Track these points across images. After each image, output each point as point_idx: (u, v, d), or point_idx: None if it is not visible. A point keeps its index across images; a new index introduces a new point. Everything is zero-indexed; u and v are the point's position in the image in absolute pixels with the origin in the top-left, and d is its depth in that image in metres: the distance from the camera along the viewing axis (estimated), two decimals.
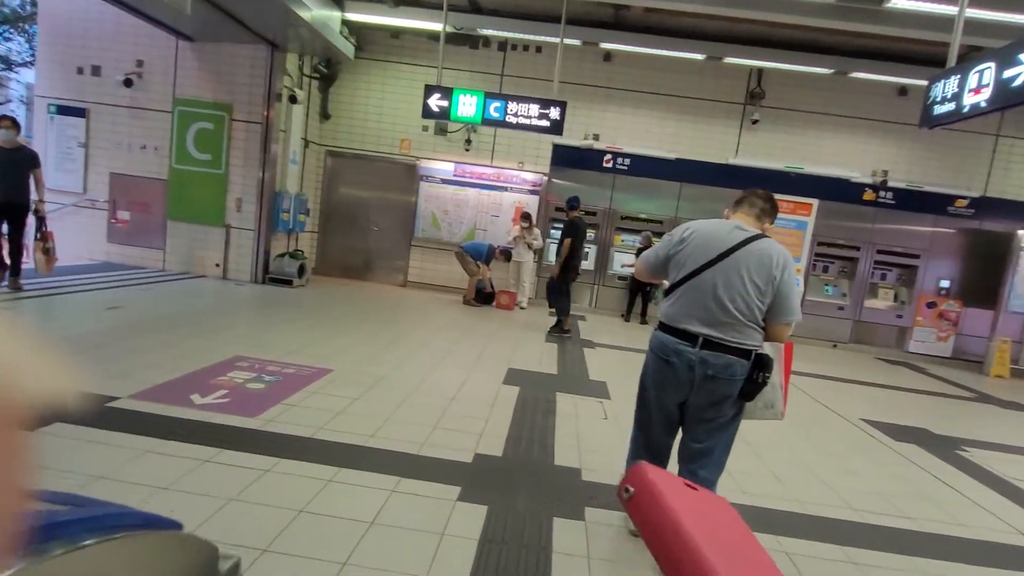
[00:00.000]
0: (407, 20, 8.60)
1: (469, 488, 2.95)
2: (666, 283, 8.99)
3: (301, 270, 8.95)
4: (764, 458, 3.96)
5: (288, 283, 8.74)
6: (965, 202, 9.63)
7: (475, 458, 3.35)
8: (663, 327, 2.46)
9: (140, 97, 8.66)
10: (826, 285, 10.16)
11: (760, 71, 9.57)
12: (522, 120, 7.01)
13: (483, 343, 6.55)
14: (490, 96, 7.08)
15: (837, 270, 10.20)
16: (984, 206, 9.63)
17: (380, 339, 6.03)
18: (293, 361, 4.81)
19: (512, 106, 7.02)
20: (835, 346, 9.95)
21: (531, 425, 4.04)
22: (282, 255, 8.98)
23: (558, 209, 10.12)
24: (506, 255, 9.39)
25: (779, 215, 9.04)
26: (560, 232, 7.40)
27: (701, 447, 2.44)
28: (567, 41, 8.69)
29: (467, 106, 7.03)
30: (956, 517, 3.42)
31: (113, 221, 8.90)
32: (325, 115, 10.20)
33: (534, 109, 6.98)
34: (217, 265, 8.80)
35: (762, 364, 2.30)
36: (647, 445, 2.60)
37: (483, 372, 5.28)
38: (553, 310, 7.80)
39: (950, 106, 4.33)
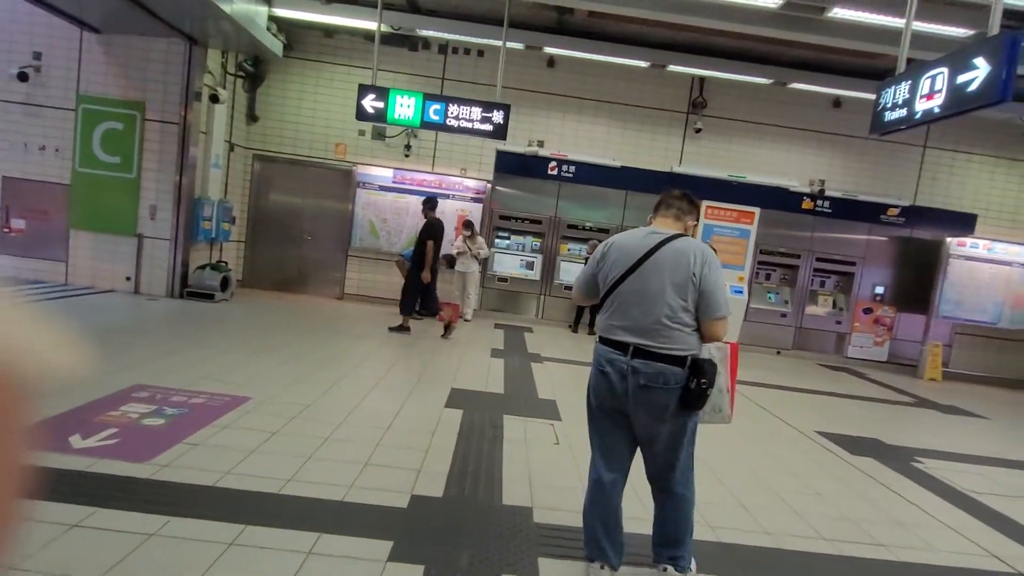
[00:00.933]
0: (340, 18, 8.08)
1: (403, 543, 2.51)
2: None
3: (224, 283, 8.22)
4: (727, 483, 3.69)
5: (209, 297, 8.00)
6: (896, 211, 9.91)
7: (411, 501, 2.92)
8: (600, 339, 2.43)
9: (37, 93, 7.77)
10: (769, 292, 10.24)
11: (702, 80, 9.56)
12: (464, 124, 6.63)
13: (425, 361, 6.10)
14: (430, 98, 6.66)
15: (779, 278, 10.30)
16: (914, 215, 9.94)
17: (310, 360, 5.48)
18: (205, 389, 4.23)
19: (453, 108, 6.63)
20: (779, 352, 10.02)
21: (476, 456, 3.63)
22: (203, 267, 8.23)
23: (502, 217, 9.80)
24: (448, 261, 8.95)
25: (724, 224, 8.89)
26: (421, 234, 7.29)
27: (660, 462, 2.36)
28: (510, 45, 8.43)
29: (405, 108, 6.58)
30: (929, 542, 3.24)
31: (6, 230, 7.94)
32: (252, 117, 9.51)
33: (476, 112, 6.61)
34: (128, 279, 7.97)
35: (699, 370, 2.20)
36: (604, 458, 2.44)
37: (424, 394, 4.83)
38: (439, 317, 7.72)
39: (901, 112, 4.25)
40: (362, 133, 9.56)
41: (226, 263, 8.69)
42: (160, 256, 7.99)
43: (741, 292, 9.54)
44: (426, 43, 9.45)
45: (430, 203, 7.32)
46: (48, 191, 7.88)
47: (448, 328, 7.48)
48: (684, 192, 2.51)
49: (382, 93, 6.57)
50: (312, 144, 9.63)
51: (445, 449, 3.66)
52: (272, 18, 8.42)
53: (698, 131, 9.65)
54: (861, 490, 3.94)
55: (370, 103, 6.59)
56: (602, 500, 2.37)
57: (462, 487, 3.16)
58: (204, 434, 3.43)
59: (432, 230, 7.25)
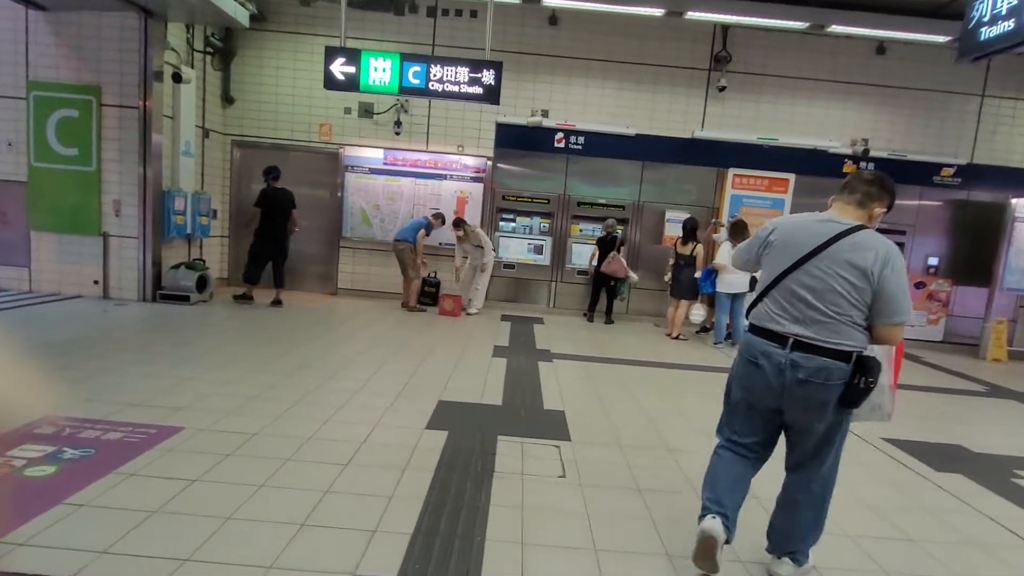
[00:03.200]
0: None
1: None
2: (635, 277, 7.36)
3: (201, 283, 7.47)
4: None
5: (184, 299, 7.26)
6: (951, 171, 8.76)
7: None
8: (752, 328, 2.29)
9: None
10: None
11: (725, 31, 8.47)
12: (450, 87, 5.69)
13: (414, 365, 5.26)
14: (408, 59, 5.73)
15: None
16: (972, 174, 8.78)
17: (275, 371, 4.68)
18: (130, 418, 3.44)
19: (436, 70, 5.69)
20: None
21: (454, 503, 2.78)
22: (177, 266, 7.48)
23: (505, 197, 8.89)
24: (439, 219, 8.12)
25: (754, 193, 7.71)
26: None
27: (805, 458, 2.29)
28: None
29: (380, 71, 5.67)
30: None
31: None
32: (228, 98, 8.69)
33: (463, 73, 5.67)
34: (96, 282, 7.26)
35: (865, 368, 2.08)
36: (733, 436, 2.39)
37: (403, 412, 4.00)
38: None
39: (1006, 25, 3.20)
40: (348, 111, 8.69)
41: (203, 261, 7.93)
42: (129, 256, 7.25)
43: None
44: (413, 5, 8.49)
45: (270, 171, 7.51)
46: (5, 190, 7.17)
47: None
48: (878, 175, 2.25)
49: (352, 56, 5.66)
50: (294, 126, 8.79)
51: (414, 496, 2.82)
52: None
53: (722, 89, 8.57)
54: (963, 530, 3.01)
55: (339, 68, 5.68)
56: (725, 466, 2.34)
57: (427, 559, 2.31)
58: (98, 488, 2.64)
59: (263, 199, 7.44)
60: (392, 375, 4.88)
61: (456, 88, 5.70)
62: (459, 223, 8.06)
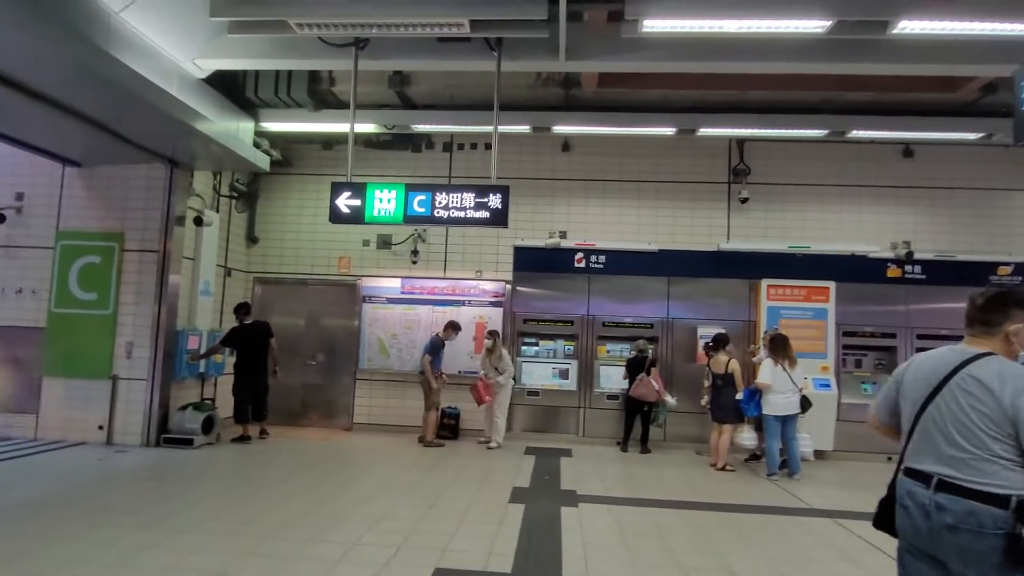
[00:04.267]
0: (330, 124, 7.45)
1: None
2: (671, 400, 6.42)
3: (208, 424, 7.11)
4: None
5: (188, 443, 6.87)
6: (1009, 268, 8.05)
7: None
8: (904, 469, 2.09)
9: (17, 234, 7.30)
10: (863, 383, 8.28)
11: (741, 145, 8.38)
12: (455, 214, 5.55)
13: (417, 518, 4.60)
14: (412, 188, 5.67)
15: (872, 363, 8.38)
16: None
17: (253, 532, 4.09)
18: None
19: (441, 197, 5.59)
20: (890, 459, 7.85)
21: None
22: (185, 407, 7.18)
23: (527, 321, 8.52)
24: (454, 329, 7.72)
25: (792, 304, 6.99)
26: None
27: None
28: (519, 129, 7.58)
29: (385, 202, 5.60)
30: None
31: None
32: (252, 238, 8.88)
33: (469, 199, 5.55)
34: (100, 427, 6.98)
35: None
36: None
37: None
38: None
39: None
40: (366, 243, 8.74)
41: (212, 401, 7.64)
42: (136, 399, 7.01)
43: (829, 386, 7.74)
44: (430, 142, 8.78)
45: (239, 308, 7.61)
46: (21, 336, 7.18)
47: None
48: (994, 293, 2.06)
49: (358, 189, 5.64)
50: (314, 261, 8.84)
51: None
52: (263, 134, 7.93)
53: (744, 201, 8.31)
54: None
55: (344, 202, 5.64)
56: None
57: None
58: None
59: (230, 336, 7.52)
60: (387, 534, 4.22)
61: (463, 214, 5.56)
62: (493, 334, 7.72)
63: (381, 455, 6.99)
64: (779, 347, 6.60)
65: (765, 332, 7.33)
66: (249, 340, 7.53)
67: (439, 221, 5.62)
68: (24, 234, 7.32)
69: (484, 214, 5.54)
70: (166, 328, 7.08)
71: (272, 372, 7.65)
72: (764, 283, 8.00)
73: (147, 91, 5.32)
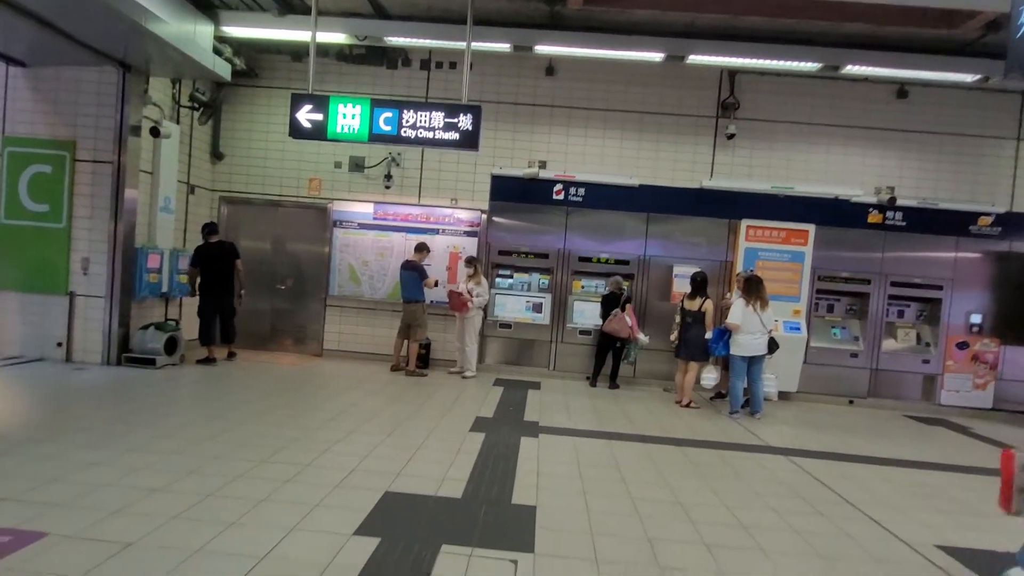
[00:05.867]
0: (296, 31, 6.95)
1: None
2: (643, 338, 6.55)
3: (171, 345, 6.97)
4: None
5: (151, 363, 6.75)
6: (990, 219, 7.98)
7: None
8: None
9: None
10: (833, 327, 8.34)
11: (732, 77, 8.02)
12: (423, 134, 5.25)
13: (374, 443, 4.57)
14: (379, 104, 5.33)
15: (844, 308, 8.41)
16: (1013, 223, 7.97)
17: (203, 453, 4.03)
18: None
19: (408, 115, 5.27)
20: (851, 402, 8.02)
21: None
22: (147, 327, 7.01)
23: (502, 252, 8.33)
24: (425, 250, 7.67)
25: (770, 246, 6.88)
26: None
27: None
28: (498, 47, 7.15)
29: (349, 119, 5.26)
30: None
31: None
32: (217, 155, 8.45)
33: (438, 118, 5.23)
34: (59, 344, 6.81)
35: None
36: None
37: (335, 509, 3.30)
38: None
39: None
40: (338, 165, 8.37)
41: (176, 321, 7.47)
42: (94, 316, 6.82)
43: (799, 329, 7.75)
44: (406, 59, 8.27)
45: (205, 227, 7.38)
46: None
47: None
48: None
49: (320, 102, 5.28)
50: (283, 182, 8.48)
51: None
52: (225, 40, 7.40)
53: (731, 137, 8.05)
54: None
55: (306, 116, 5.29)
56: None
57: None
58: None
59: (196, 256, 7.31)
60: (343, 456, 4.19)
61: (430, 135, 5.25)
62: (472, 261, 7.62)
63: (348, 381, 6.94)
64: (752, 288, 6.53)
65: (739, 273, 7.26)
66: (215, 260, 7.31)
67: (406, 141, 5.33)
68: None
69: (454, 135, 5.25)
70: (123, 244, 6.80)
71: (237, 295, 7.47)
72: (744, 223, 7.86)
73: None
